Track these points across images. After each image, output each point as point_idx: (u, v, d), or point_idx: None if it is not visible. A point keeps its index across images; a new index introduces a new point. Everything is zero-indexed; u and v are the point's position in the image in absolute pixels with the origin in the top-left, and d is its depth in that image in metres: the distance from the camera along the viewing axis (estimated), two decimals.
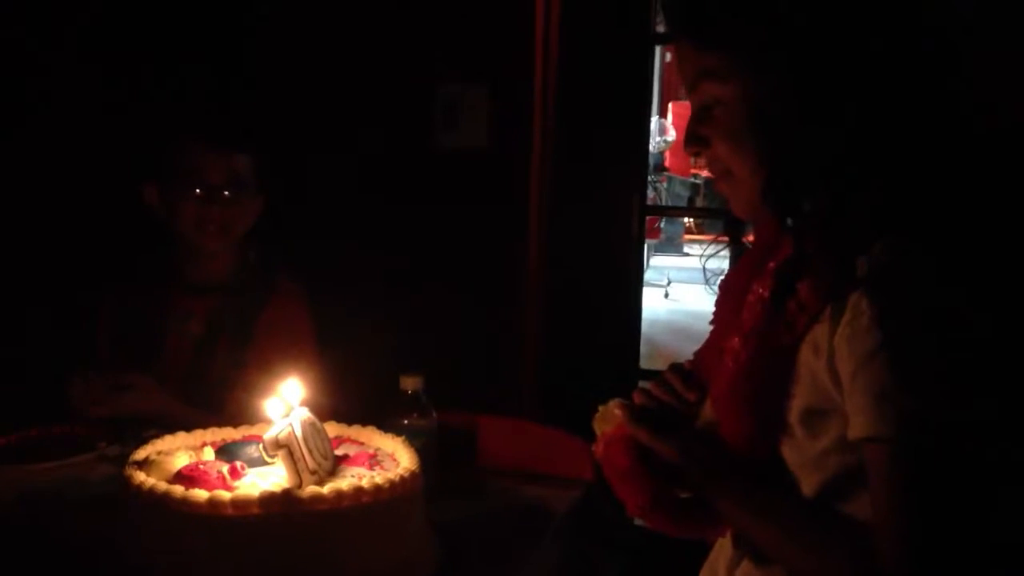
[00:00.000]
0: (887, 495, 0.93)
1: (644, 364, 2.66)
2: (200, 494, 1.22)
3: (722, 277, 1.23)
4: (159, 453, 1.40)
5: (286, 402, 1.37)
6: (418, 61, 2.46)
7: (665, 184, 8.90)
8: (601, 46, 2.43)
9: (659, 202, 8.15)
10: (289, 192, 2.39)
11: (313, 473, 1.30)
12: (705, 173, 7.51)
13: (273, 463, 1.34)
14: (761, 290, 1.07)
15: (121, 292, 2.23)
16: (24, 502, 1.58)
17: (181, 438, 1.48)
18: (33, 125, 2.51)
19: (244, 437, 1.50)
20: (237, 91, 2.59)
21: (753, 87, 1.04)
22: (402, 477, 1.30)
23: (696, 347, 1.27)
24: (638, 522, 1.24)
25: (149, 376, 2.00)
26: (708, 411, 1.16)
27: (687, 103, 1.15)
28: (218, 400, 2.04)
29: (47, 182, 2.51)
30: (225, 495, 1.21)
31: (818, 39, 0.99)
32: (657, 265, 8.52)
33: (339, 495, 1.23)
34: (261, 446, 1.35)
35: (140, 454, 1.39)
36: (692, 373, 1.23)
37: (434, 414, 1.65)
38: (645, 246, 2.79)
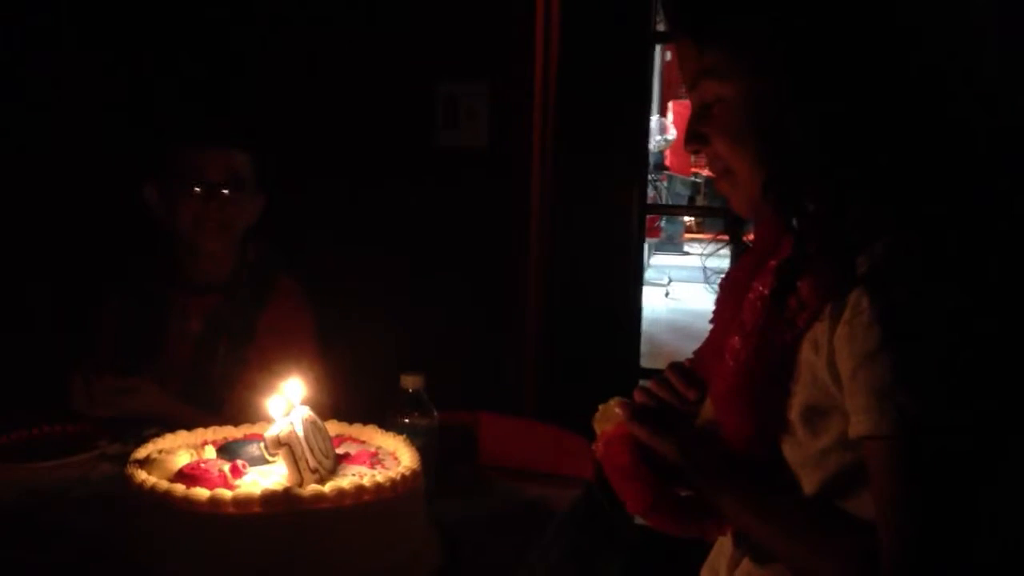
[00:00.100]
0: (888, 493, 0.93)
1: (644, 363, 2.66)
2: (201, 493, 1.22)
3: (723, 276, 1.23)
4: (160, 452, 1.40)
5: (287, 400, 1.37)
6: (418, 59, 2.46)
7: (665, 183, 8.91)
8: (601, 45, 2.43)
9: (659, 201, 8.16)
10: (289, 191, 2.39)
11: (314, 472, 1.30)
12: (705, 172, 7.51)
13: (274, 462, 1.34)
14: (762, 288, 1.07)
15: (122, 291, 2.23)
16: (25, 500, 1.59)
17: (182, 437, 1.48)
18: (33, 125, 2.51)
19: (245, 436, 1.50)
20: (237, 90, 2.59)
21: (753, 86, 1.04)
22: (403, 476, 1.30)
23: (697, 346, 1.27)
24: (639, 521, 1.24)
25: (150, 378, 2.01)
26: (708, 410, 1.16)
27: (687, 102, 1.15)
28: (219, 399, 2.04)
29: (48, 182, 2.51)
30: (226, 494, 1.21)
31: (818, 39, 0.99)
32: (657, 264, 8.52)
33: (340, 494, 1.23)
34: (262, 444, 1.35)
35: (141, 453, 1.39)
36: (692, 372, 1.23)
37: (435, 413, 1.65)
38: (645, 245, 2.79)
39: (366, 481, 1.26)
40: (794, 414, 1.04)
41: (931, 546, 0.91)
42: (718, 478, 1.12)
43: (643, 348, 2.67)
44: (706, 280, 1.31)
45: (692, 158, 8.40)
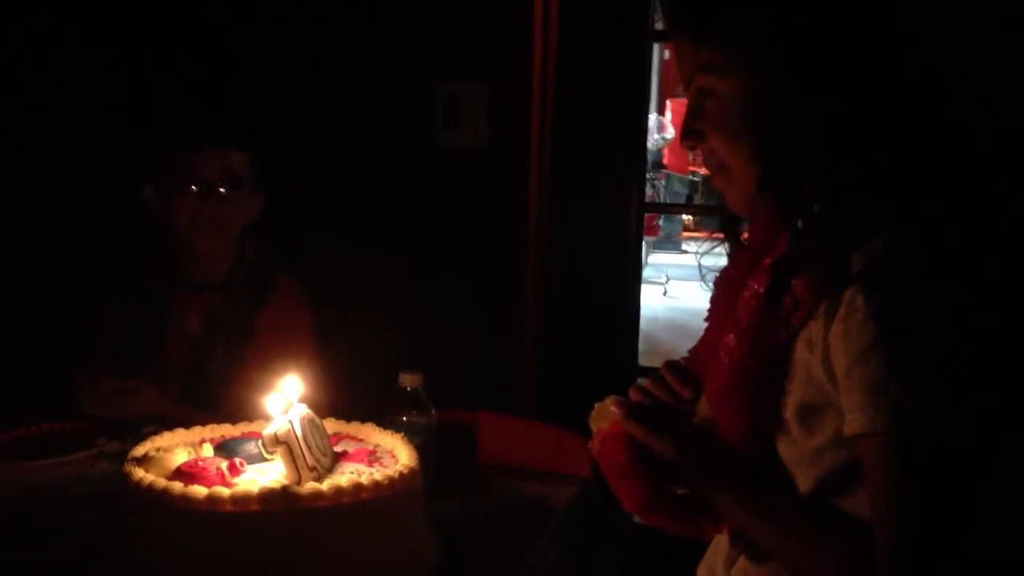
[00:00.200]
0: (883, 490, 0.93)
1: (643, 361, 2.66)
2: (199, 490, 1.22)
3: (717, 274, 1.23)
4: (158, 450, 1.40)
5: (285, 399, 1.37)
6: (418, 59, 2.46)
7: (663, 181, 8.89)
8: (599, 43, 2.43)
9: (657, 199, 8.15)
10: (289, 191, 2.39)
11: (312, 470, 1.30)
12: (703, 171, 7.50)
13: (272, 459, 1.34)
14: (757, 286, 1.07)
15: (122, 291, 2.23)
16: (23, 498, 1.59)
17: (180, 435, 1.48)
18: (33, 125, 2.51)
19: (243, 434, 1.50)
20: (237, 90, 2.59)
21: (749, 82, 1.04)
22: (401, 474, 1.30)
23: (694, 344, 1.27)
24: (636, 519, 1.24)
25: (149, 379, 2.01)
26: (704, 408, 1.17)
27: (685, 100, 1.16)
28: (217, 398, 2.05)
29: (48, 182, 2.52)
30: (224, 491, 1.22)
31: (818, 39, 0.99)
32: (655, 263, 8.51)
33: (338, 491, 1.23)
34: (260, 442, 1.35)
35: (139, 451, 1.39)
36: (688, 370, 1.24)
37: (433, 411, 1.65)
38: (643, 243, 2.79)
39: (364, 479, 1.27)
40: (789, 412, 1.04)
41: (927, 543, 0.91)
42: (714, 476, 1.12)
43: (641, 346, 2.67)
44: (702, 278, 1.32)
45: (690, 156, 8.39)
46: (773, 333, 1.04)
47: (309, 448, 1.31)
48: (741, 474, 1.10)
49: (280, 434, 1.29)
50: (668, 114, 9.31)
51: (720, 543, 1.22)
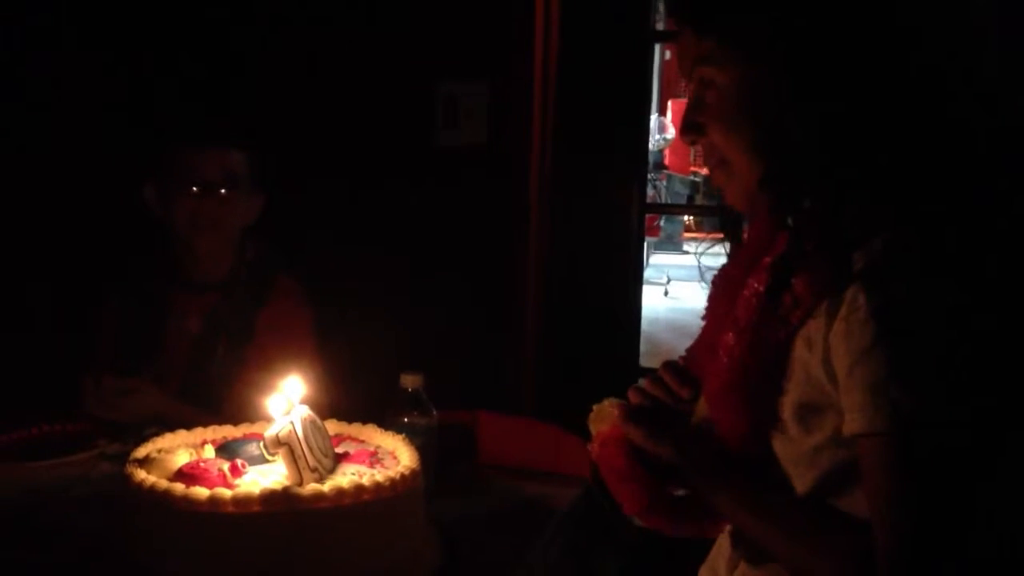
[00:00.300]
0: (883, 490, 0.93)
1: (644, 362, 2.66)
2: (201, 492, 1.22)
3: (715, 272, 1.23)
4: (160, 451, 1.40)
5: (287, 400, 1.37)
6: (418, 59, 2.46)
7: (664, 182, 8.89)
8: (600, 44, 2.43)
9: (658, 200, 8.15)
10: (289, 191, 2.39)
11: (314, 471, 1.30)
12: (704, 171, 7.50)
13: (274, 461, 1.34)
14: (757, 285, 1.07)
15: (122, 291, 2.23)
16: (25, 499, 1.59)
17: (182, 436, 1.48)
18: (33, 125, 2.51)
19: (245, 435, 1.50)
20: (237, 90, 2.59)
21: (747, 73, 1.04)
22: (402, 475, 1.31)
23: None
24: (636, 521, 1.24)
25: (150, 379, 2.01)
26: (703, 407, 1.16)
27: (686, 100, 1.15)
28: (218, 398, 2.05)
29: (48, 182, 2.51)
30: (226, 493, 1.22)
31: (818, 39, 0.99)
32: (657, 263, 8.51)
33: (340, 493, 1.23)
34: (262, 444, 1.35)
35: (141, 452, 1.39)
36: (686, 370, 1.23)
37: (434, 412, 1.65)
38: (645, 244, 2.79)
39: (365, 480, 1.27)
40: (786, 411, 1.04)
41: (927, 543, 0.91)
42: (714, 476, 1.12)
43: (642, 347, 2.67)
44: (702, 278, 1.31)
45: (691, 156, 8.40)
46: (772, 332, 1.04)
47: (311, 449, 1.31)
48: (741, 474, 1.10)
49: (282, 435, 1.29)
50: (669, 115, 9.32)
51: (723, 545, 1.22)
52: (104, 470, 1.71)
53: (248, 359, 2.09)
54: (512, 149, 2.43)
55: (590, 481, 1.74)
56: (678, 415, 1.20)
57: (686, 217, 9.32)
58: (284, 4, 2.58)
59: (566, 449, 1.79)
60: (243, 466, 1.34)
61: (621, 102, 2.47)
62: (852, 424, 0.94)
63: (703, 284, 1.31)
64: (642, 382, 1.28)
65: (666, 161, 9.08)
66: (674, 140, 8.93)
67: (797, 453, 1.05)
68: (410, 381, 1.65)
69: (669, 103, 9.52)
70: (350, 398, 1.90)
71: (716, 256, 1.27)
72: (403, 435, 1.48)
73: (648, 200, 4.08)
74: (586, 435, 1.29)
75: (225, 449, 1.42)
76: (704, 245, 1.29)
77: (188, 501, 1.21)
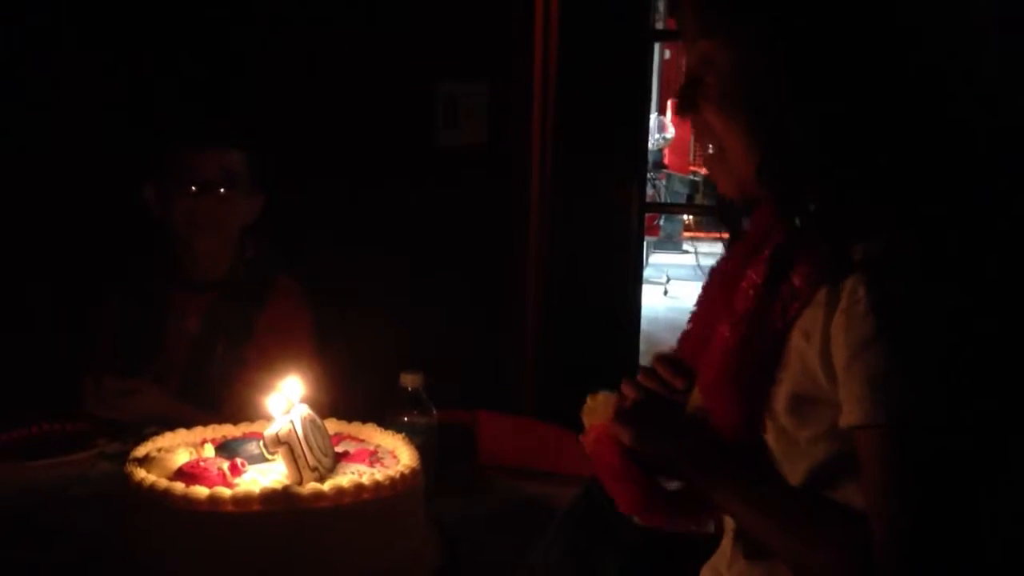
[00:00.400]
0: (880, 483, 0.93)
1: (644, 361, 2.66)
2: (201, 491, 1.22)
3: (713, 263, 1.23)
4: (159, 450, 1.40)
5: (287, 399, 1.37)
6: (418, 59, 2.46)
7: (664, 181, 8.89)
8: (600, 43, 2.44)
9: (658, 199, 8.15)
10: (289, 191, 2.39)
11: (313, 470, 1.30)
12: (704, 171, 7.50)
13: (273, 460, 1.34)
14: (755, 277, 1.07)
15: (122, 291, 2.23)
16: (24, 499, 1.59)
17: (181, 435, 1.48)
18: (33, 125, 2.51)
19: (244, 434, 1.49)
20: (237, 90, 2.59)
21: (748, 57, 1.03)
22: (402, 474, 1.31)
23: None
24: (636, 519, 1.24)
25: (149, 379, 2.01)
26: (697, 398, 1.16)
27: None
28: (217, 398, 2.05)
29: (48, 182, 2.52)
30: (226, 492, 1.22)
31: (818, 39, 0.99)
32: (656, 263, 8.51)
33: (340, 492, 1.23)
34: (262, 443, 1.35)
35: (140, 451, 1.39)
36: (680, 361, 1.23)
37: (434, 411, 1.65)
38: (644, 243, 2.79)
39: (365, 479, 1.27)
40: (780, 403, 1.04)
41: (925, 537, 0.91)
42: (710, 468, 1.11)
43: (642, 346, 2.68)
44: (702, 270, 1.31)
45: (690, 156, 8.39)
46: (769, 322, 1.03)
47: (311, 448, 1.31)
48: (737, 464, 1.10)
49: (282, 434, 1.29)
50: (669, 114, 9.31)
51: (726, 546, 1.21)
52: (104, 469, 1.71)
53: (248, 359, 2.09)
54: (512, 149, 2.43)
55: (592, 479, 1.74)
56: (673, 406, 1.20)
57: (686, 216, 9.33)
58: (284, 4, 2.58)
59: (566, 448, 1.79)
60: (243, 465, 1.34)
61: (621, 102, 2.47)
62: (850, 416, 0.94)
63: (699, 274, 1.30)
64: (639, 375, 1.27)
65: (666, 160, 9.08)
66: (674, 139, 8.94)
67: (790, 445, 1.04)
68: (410, 380, 1.65)
69: (669, 102, 9.51)
70: (350, 398, 1.90)
71: (717, 256, 1.26)
72: (403, 434, 1.48)
73: (648, 199, 4.08)
74: (582, 431, 1.28)
75: (225, 448, 1.42)
76: (703, 246, 1.29)
77: (188, 500, 1.21)
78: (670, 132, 8.94)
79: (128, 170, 2.25)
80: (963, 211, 0.96)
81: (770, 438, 1.06)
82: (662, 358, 1.25)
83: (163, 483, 1.25)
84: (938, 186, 0.98)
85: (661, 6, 2.46)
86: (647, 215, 2.70)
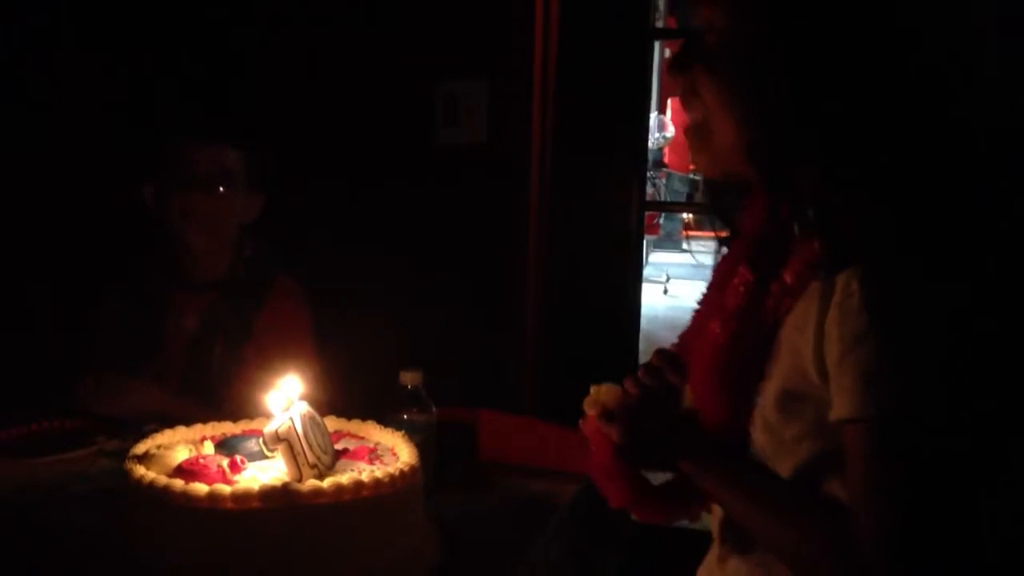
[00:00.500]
0: (867, 477, 0.93)
1: (643, 360, 2.65)
2: (200, 488, 1.22)
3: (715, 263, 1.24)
4: (159, 447, 1.40)
5: (286, 396, 1.37)
6: (418, 58, 2.46)
7: (664, 180, 8.89)
8: (600, 42, 2.43)
9: (658, 198, 8.15)
10: (289, 191, 2.39)
11: (313, 467, 1.30)
12: None
13: (273, 457, 1.34)
14: (746, 272, 1.07)
15: (121, 290, 2.24)
16: (24, 496, 1.59)
17: (181, 432, 1.48)
18: (33, 125, 2.51)
19: (244, 431, 1.50)
20: (237, 90, 2.59)
21: (743, 26, 1.02)
22: (402, 472, 1.31)
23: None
24: (634, 517, 1.25)
25: (149, 378, 2.01)
26: (690, 393, 1.17)
27: None
28: (217, 397, 2.05)
29: (48, 182, 2.52)
30: (225, 489, 1.22)
31: (818, 39, 0.99)
32: (656, 261, 8.52)
33: (339, 489, 1.23)
34: (261, 440, 1.35)
35: (140, 448, 1.39)
36: (677, 356, 1.23)
37: (434, 409, 1.65)
38: (644, 242, 2.79)
39: (365, 477, 1.27)
40: (768, 398, 1.04)
41: (912, 534, 0.91)
42: (702, 457, 1.11)
43: (642, 345, 2.67)
44: (702, 275, 1.32)
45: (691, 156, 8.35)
46: (760, 317, 1.04)
47: (310, 446, 1.31)
48: (728, 454, 1.10)
49: (281, 431, 1.29)
50: (669, 112, 9.31)
51: (715, 545, 1.22)
52: (103, 466, 1.71)
53: (247, 358, 2.09)
54: (512, 148, 2.43)
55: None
56: (669, 401, 1.20)
57: (686, 215, 9.32)
58: (284, 4, 2.58)
59: (566, 446, 1.79)
60: (242, 462, 1.34)
61: (621, 100, 2.47)
62: (840, 409, 0.94)
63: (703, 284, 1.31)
64: (641, 370, 1.28)
65: (666, 159, 9.08)
66: (674, 138, 8.94)
67: (776, 441, 1.05)
68: (409, 378, 1.65)
69: (669, 101, 9.51)
70: (349, 396, 1.90)
71: (709, 254, 1.27)
72: (403, 432, 1.48)
73: (647, 198, 4.08)
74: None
75: (224, 445, 1.43)
76: (703, 245, 1.29)
77: (187, 497, 1.21)
78: (670, 131, 8.94)
79: (128, 170, 2.25)
80: (963, 211, 0.97)
81: (758, 435, 1.07)
82: (661, 354, 1.26)
83: (163, 480, 1.25)
84: (938, 186, 0.98)
85: (661, 5, 2.46)
86: (647, 213, 2.69)
